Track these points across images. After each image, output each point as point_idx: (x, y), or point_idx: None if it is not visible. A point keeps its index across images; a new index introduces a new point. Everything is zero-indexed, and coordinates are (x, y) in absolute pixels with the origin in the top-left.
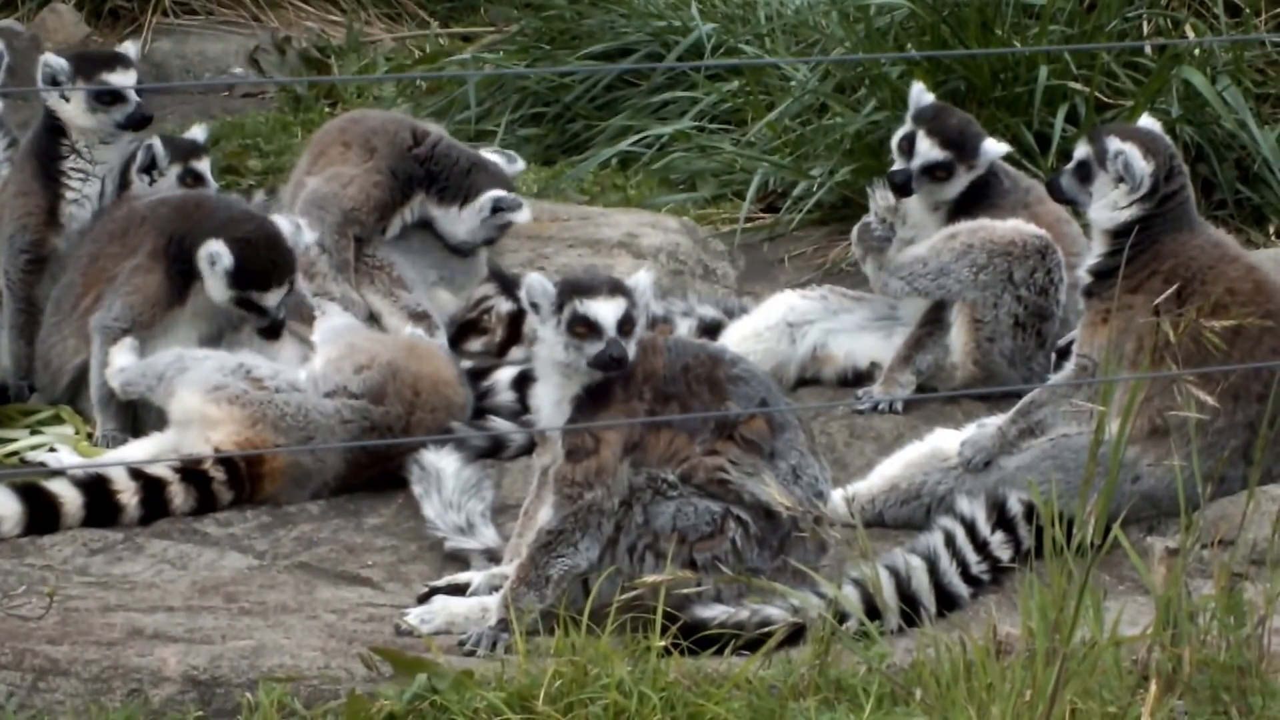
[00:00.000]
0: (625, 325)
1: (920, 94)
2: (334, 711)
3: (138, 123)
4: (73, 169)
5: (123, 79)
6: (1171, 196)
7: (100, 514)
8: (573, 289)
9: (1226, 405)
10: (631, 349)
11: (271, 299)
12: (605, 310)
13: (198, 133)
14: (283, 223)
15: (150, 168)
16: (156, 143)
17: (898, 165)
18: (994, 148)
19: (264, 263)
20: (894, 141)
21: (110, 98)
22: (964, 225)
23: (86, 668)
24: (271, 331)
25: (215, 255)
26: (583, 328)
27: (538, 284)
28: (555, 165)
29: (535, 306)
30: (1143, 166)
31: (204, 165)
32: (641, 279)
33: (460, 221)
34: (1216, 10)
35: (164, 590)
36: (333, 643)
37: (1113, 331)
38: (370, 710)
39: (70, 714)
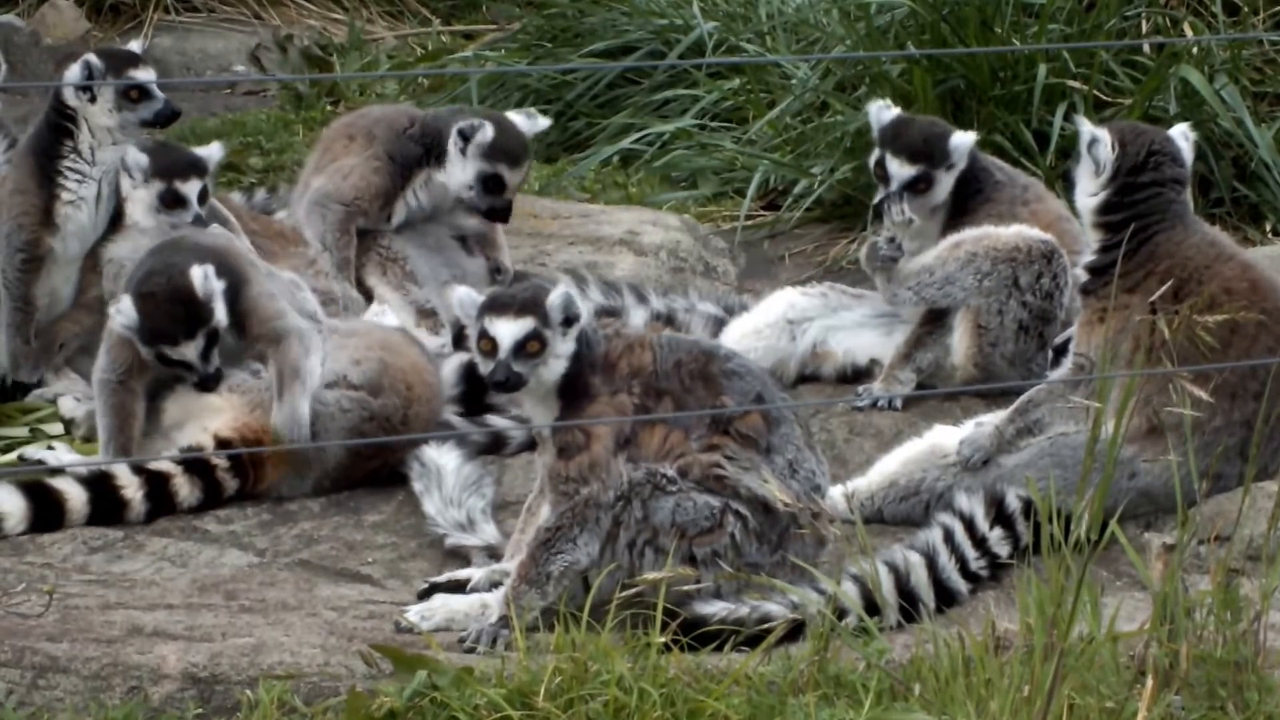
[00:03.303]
0: (528, 345)
1: (880, 112)
2: (334, 709)
3: (167, 118)
4: (70, 169)
5: (149, 75)
6: (1147, 186)
7: (105, 511)
8: (487, 305)
9: (1223, 403)
10: (540, 369)
11: (188, 352)
12: (503, 330)
13: (214, 151)
14: (195, 272)
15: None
16: (131, 153)
17: (880, 193)
18: (962, 140)
19: (165, 318)
20: (870, 167)
21: (138, 94)
22: (969, 233)
23: (86, 665)
24: (204, 385)
25: (121, 312)
26: (487, 344)
27: (466, 297)
28: (557, 163)
29: (467, 318)
30: (1107, 153)
31: (189, 187)
32: (555, 296)
33: (452, 171)
34: (1215, 9)
35: (164, 588)
36: (333, 640)
37: (1109, 330)
38: (370, 707)
39: (70, 711)
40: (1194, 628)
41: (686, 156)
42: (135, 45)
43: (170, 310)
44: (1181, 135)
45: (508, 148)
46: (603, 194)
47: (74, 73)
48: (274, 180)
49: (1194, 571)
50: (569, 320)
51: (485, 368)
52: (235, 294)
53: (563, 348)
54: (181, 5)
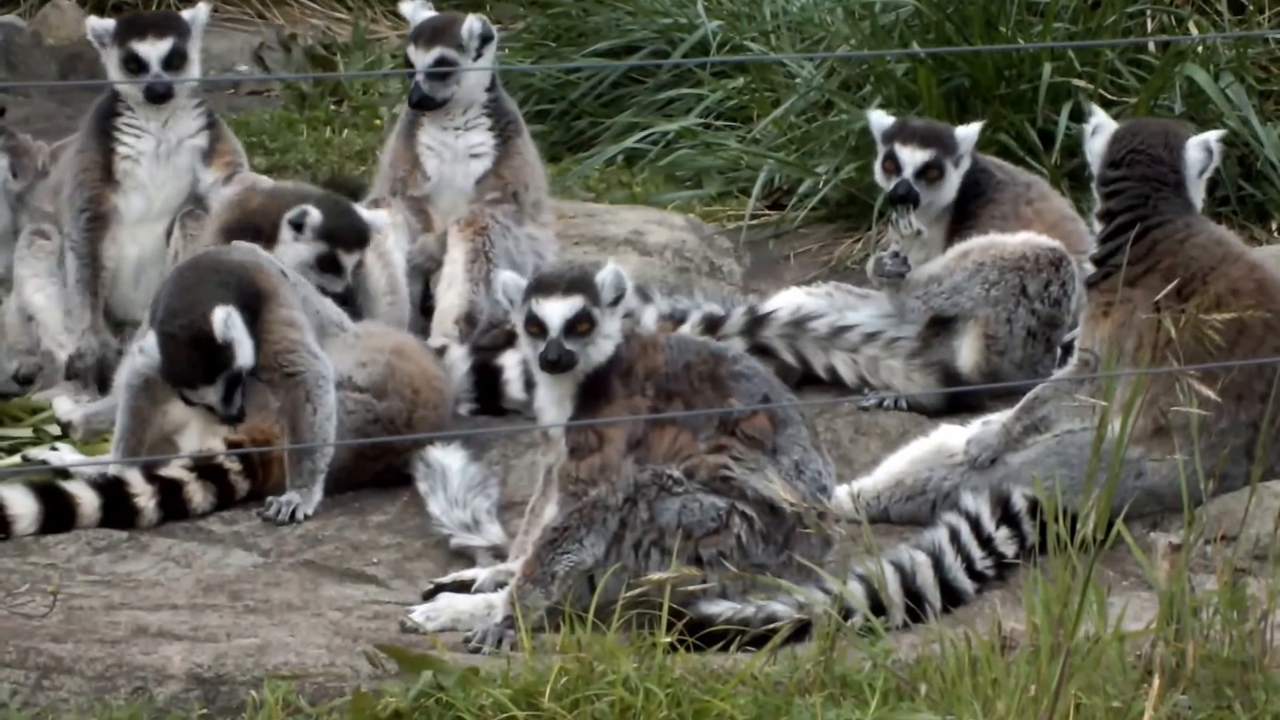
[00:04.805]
0: (578, 325)
1: (880, 119)
2: (339, 709)
3: (155, 96)
4: (126, 124)
5: (150, 49)
6: (1117, 180)
7: (117, 516)
8: (533, 286)
9: (1230, 404)
10: (589, 348)
11: (209, 396)
12: (552, 310)
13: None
14: (217, 315)
15: None
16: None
17: (890, 183)
18: (967, 132)
19: (185, 363)
20: (876, 168)
21: (135, 65)
22: (976, 242)
23: (91, 666)
24: (226, 422)
25: (144, 351)
26: (535, 327)
27: (512, 281)
28: (561, 162)
29: (511, 303)
30: (1095, 143)
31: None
32: (605, 274)
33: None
34: (1220, 7)
35: (168, 588)
36: (338, 640)
37: (1113, 325)
38: (375, 707)
39: (74, 712)
40: (1200, 627)
41: (691, 156)
42: (193, 13)
43: (190, 356)
44: (1200, 145)
45: None
46: (607, 193)
47: (92, 24)
48: (276, 180)
49: (1200, 571)
50: (615, 299)
51: (535, 350)
52: (254, 316)
53: (610, 327)
54: (184, 5)
